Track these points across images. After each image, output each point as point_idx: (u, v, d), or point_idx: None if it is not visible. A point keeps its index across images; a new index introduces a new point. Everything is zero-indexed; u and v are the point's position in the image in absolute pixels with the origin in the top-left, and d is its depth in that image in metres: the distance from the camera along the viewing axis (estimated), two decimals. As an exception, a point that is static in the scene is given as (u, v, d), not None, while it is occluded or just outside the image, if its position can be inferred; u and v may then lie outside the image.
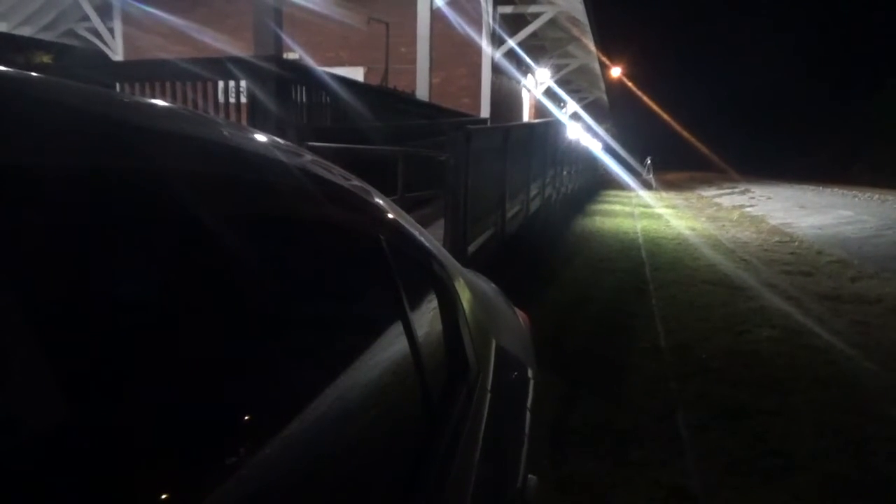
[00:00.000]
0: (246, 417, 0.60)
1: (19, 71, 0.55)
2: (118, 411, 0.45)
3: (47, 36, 13.34)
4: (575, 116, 22.65)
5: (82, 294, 0.45)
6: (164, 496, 0.46)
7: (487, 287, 1.95)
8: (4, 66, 0.55)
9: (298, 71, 6.42)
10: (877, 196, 18.58)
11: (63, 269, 0.44)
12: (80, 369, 0.42)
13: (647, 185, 27.18)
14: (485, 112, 12.53)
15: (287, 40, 7.40)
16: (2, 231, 0.39)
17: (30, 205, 0.42)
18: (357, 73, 12.12)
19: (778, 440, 3.23)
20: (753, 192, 22.79)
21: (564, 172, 12.86)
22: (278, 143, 0.89)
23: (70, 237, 0.44)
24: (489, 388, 1.33)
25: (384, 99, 8.32)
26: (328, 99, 6.57)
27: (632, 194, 22.02)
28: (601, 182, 24.85)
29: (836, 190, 22.61)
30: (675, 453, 3.09)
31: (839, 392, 3.87)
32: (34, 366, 0.39)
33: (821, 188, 23.94)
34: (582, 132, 19.22)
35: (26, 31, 13.04)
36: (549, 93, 18.66)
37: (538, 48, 16.26)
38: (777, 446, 3.16)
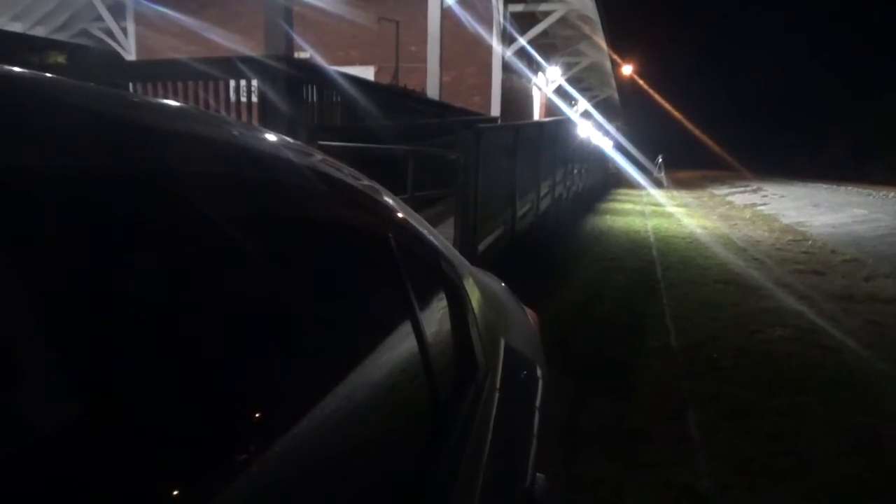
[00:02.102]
0: (255, 416, 0.60)
1: (33, 72, 0.56)
2: (131, 412, 0.45)
3: (61, 36, 13.48)
4: (586, 115, 22.59)
5: (94, 295, 0.45)
6: (174, 493, 0.47)
7: (497, 286, 1.95)
8: (19, 66, 0.56)
9: (309, 70, 6.44)
10: (892, 194, 18.38)
11: (76, 269, 0.44)
12: (90, 370, 0.43)
13: (658, 184, 27.07)
14: (495, 111, 12.52)
15: (298, 39, 7.42)
16: (12, 232, 0.40)
17: (42, 205, 0.42)
18: (367, 72, 12.15)
19: (790, 440, 3.21)
20: (766, 191, 22.62)
21: (575, 171, 12.83)
22: (288, 142, 0.90)
23: (81, 238, 0.44)
24: (498, 387, 1.33)
25: (394, 98, 8.33)
26: (338, 98, 6.58)
27: (643, 193, 21.91)
28: (612, 180, 24.74)
29: (849, 188, 22.40)
30: (687, 453, 3.08)
31: (852, 392, 3.84)
32: (42, 367, 0.39)
33: (834, 186, 23.71)
34: (593, 130, 19.15)
35: (40, 32, 13.17)
36: (559, 91, 18.61)
37: (549, 46, 16.22)
38: (789, 446, 3.14)
